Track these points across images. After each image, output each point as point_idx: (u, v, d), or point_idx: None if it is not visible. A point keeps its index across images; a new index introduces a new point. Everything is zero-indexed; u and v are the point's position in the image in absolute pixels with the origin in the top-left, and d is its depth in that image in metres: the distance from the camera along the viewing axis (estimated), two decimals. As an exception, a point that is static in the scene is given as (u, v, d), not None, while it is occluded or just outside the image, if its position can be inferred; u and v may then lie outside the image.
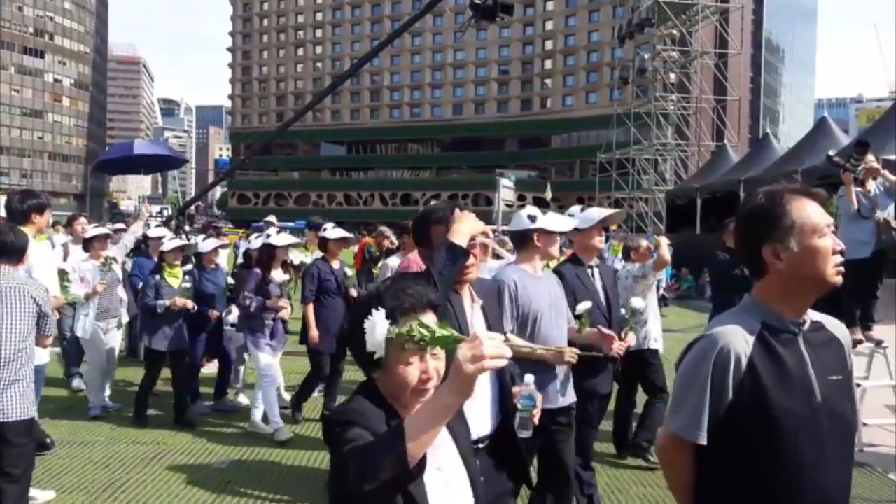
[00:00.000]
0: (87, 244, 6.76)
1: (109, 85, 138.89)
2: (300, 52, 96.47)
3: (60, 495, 4.68)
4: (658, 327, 5.61)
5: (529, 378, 2.27)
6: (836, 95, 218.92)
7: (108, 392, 6.86)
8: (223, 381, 7.06)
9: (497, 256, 6.81)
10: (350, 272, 6.73)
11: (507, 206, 68.36)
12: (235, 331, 6.94)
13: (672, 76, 36.11)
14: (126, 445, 5.74)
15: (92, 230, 7.07)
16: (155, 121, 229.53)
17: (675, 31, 34.55)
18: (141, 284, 7.04)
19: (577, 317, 3.69)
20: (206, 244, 7.12)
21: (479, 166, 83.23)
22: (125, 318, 7.23)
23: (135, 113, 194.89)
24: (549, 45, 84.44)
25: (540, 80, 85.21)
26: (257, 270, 6.12)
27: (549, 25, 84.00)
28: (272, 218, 11.23)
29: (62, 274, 5.97)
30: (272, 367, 6.05)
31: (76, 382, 7.54)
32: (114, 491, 4.79)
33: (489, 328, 2.61)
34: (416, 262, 4.59)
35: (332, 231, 6.66)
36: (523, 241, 3.57)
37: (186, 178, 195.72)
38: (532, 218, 3.53)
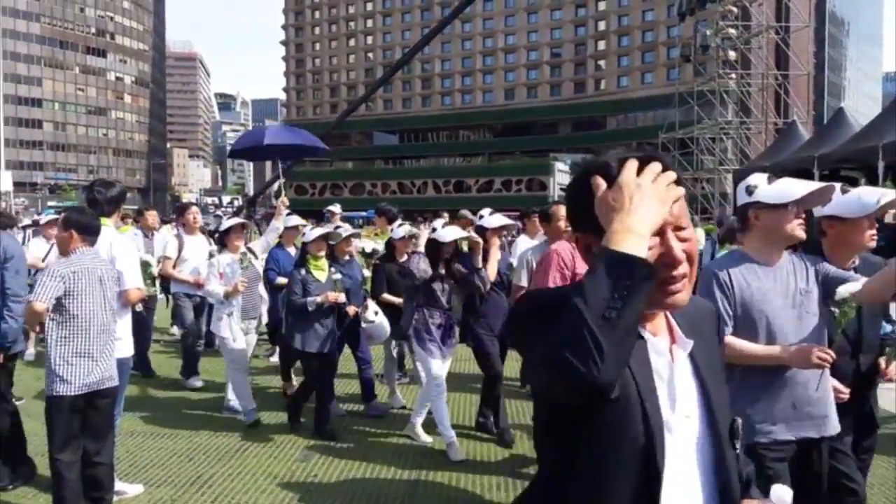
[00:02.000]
0: (223, 237, 6.20)
1: (168, 81, 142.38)
2: (352, 42, 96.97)
3: (148, 489, 4.64)
4: None
5: (782, 493, 1.45)
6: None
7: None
8: (366, 384, 6.39)
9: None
10: (515, 263, 5.92)
11: (563, 190, 67.46)
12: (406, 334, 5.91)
13: (732, 53, 34.97)
14: (209, 437, 5.71)
15: (227, 221, 6.45)
16: (213, 115, 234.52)
17: (734, 7, 33.42)
18: (277, 279, 6.71)
19: (836, 304, 2.77)
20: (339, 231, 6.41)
21: (531, 151, 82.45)
22: (265, 318, 6.79)
23: (193, 108, 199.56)
24: (601, 25, 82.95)
25: (594, 62, 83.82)
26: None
27: (602, 6, 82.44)
28: (336, 207, 11.16)
29: (145, 265, 5.72)
30: (442, 375, 5.35)
31: (194, 382, 7.22)
32: (200, 486, 4.74)
33: (703, 389, 1.33)
34: (563, 254, 3.87)
35: (489, 218, 5.87)
36: (743, 221, 2.77)
37: (245, 170, 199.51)
38: (749, 190, 2.68)
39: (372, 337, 6.15)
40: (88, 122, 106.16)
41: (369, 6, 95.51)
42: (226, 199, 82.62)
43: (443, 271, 5.33)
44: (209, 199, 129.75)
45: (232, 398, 6.18)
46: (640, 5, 78.85)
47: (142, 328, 7.60)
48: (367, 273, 6.55)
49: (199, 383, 7.15)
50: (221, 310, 5.94)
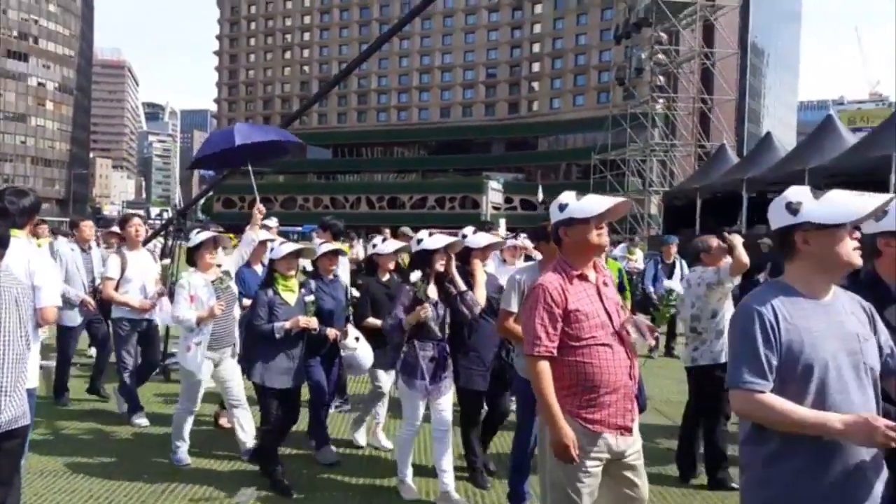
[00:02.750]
0: (192, 255, 5.34)
1: (94, 89, 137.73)
2: (287, 55, 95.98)
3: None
4: None
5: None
6: (817, 98, 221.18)
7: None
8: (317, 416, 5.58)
9: (528, 258, 6.45)
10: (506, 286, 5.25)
11: (495, 208, 68.20)
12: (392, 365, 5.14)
13: (661, 78, 36.12)
14: (130, 476, 5.12)
15: (198, 235, 5.43)
16: (139, 125, 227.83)
17: (663, 34, 34.56)
18: (243, 301, 5.78)
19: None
20: (322, 247, 5.54)
21: (465, 169, 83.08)
22: (238, 346, 5.61)
23: (119, 117, 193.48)
24: (536, 48, 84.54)
25: (527, 83, 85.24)
26: (406, 286, 4.62)
27: (538, 28, 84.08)
28: (272, 221, 10.83)
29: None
30: (418, 417, 4.64)
31: (139, 420, 6.28)
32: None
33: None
34: (550, 289, 3.24)
35: (475, 237, 5.05)
36: (784, 245, 2.21)
37: (171, 182, 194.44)
38: (792, 208, 2.15)
39: (352, 366, 5.38)
40: (6, 128, 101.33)
41: (307, 19, 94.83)
42: (154, 210, 79.71)
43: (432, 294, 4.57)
44: (132, 212, 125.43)
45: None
46: (574, 29, 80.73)
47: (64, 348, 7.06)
48: (356, 294, 5.74)
49: (144, 421, 6.26)
50: (190, 338, 5.16)
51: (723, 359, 4.87)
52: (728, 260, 4.90)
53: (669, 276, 9.13)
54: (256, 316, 4.81)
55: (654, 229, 27.31)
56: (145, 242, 11.17)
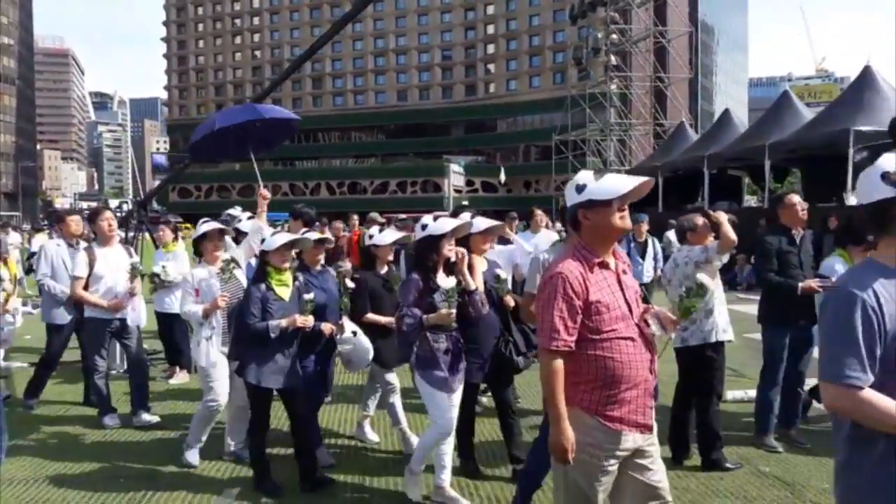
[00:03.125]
0: (198, 245, 5.17)
1: (37, 79, 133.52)
2: (238, 40, 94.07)
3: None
4: (725, 315, 4.97)
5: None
6: (766, 74, 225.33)
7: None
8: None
9: (504, 241, 6.30)
10: (503, 274, 4.79)
11: (457, 191, 68.13)
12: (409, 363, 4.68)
13: (614, 58, 36.30)
14: (106, 484, 4.89)
15: (202, 225, 5.24)
16: (87, 115, 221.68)
17: (615, 14, 34.70)
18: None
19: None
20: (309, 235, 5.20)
21: (424, 153, 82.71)
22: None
23: (66, 107, 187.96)
24: (490, 29, 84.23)
25: (483, 65, 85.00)
26: (416, 276, 4.26)
27: (491, 10, 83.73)
28: (237, 210, 10.53)
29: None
30: (447, 414, 4.27)
31: (111, 422, 6.06)
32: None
33: None
34: (570, 278, 2.89)
35: (474, 221, 4.69)
36: (878, 218, 1.98)
37: (123, 172, 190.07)
38: (892, 180, 1.91)
39: (351, 362, 5.07)
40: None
41: (255, 3, 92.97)
42: (113, 203, 76.79)
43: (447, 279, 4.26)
44: (85, 204, 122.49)
45: (232, 443, 5.21)
46: (527, 10, 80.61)
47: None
48: (351, 284, 5.24)
49: (112, 422, 6.01)
50: (200, 333, 4.97)
51: (713, 338, 4.84)
52: (713, 238, 4.86)
53: (642, 256, 9.11)
54: (249, 314, 4.44)
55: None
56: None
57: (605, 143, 36.53)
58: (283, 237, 4.62)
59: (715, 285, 4.83)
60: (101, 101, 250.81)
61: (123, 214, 12.73)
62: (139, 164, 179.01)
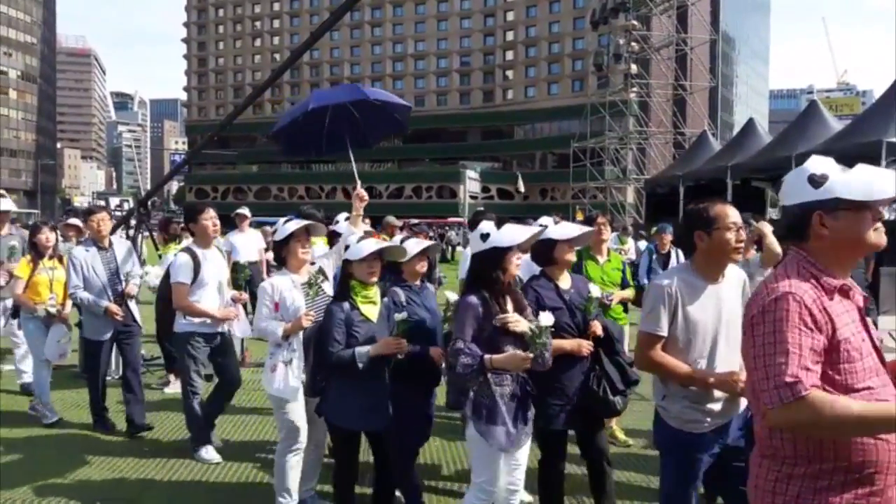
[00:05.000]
0: (281, 249, 4.18)
1: (59, 78, 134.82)
2: (258, 42, 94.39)
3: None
4: None
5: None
6: (787, 87, 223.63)
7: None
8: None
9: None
10: (595, 291, 3.84)
11: (472, 198, 67.83)
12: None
13: (634, 67, 35.89)
14: None
15: (286, 225, 4.17)
16: (108, 114, 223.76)
17: (636, 22, 34.34)
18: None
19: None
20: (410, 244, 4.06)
21: (441, 158, 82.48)
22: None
23: (86, 107, 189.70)
24: (510, 35, 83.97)
25: (501, 72, 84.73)
26: (474, 300, 3.27)
27: (510, 16, 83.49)
28: (245, 210, 10.29)
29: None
30: (496, 480, 3.42)
31: (206, 454, 5.20)
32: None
33: None
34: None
35: (559, 228, 3.87)
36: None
37: (141, 172, 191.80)
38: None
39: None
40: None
41: (276, 6, 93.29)
42: (114, 201, 74.79)
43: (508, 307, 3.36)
44: (102, 203, 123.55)
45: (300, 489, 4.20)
46: (547, 17, 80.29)
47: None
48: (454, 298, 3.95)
49: (208, 456, 5.17)
50: (277, 355, 4.02)
51: None
52: (755, 252, 4.47)
53: (665, 268, 8.66)
54: (331, 339, 3.58)
55: (633, 218, 26.98)
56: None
57: (624, 151, 36.03)
58: (372, 244, 3.73)
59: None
60: (122, 101, 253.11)
61: (124, 214, 12.52)
62: (158, 164, 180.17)
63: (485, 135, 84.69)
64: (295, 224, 4.12)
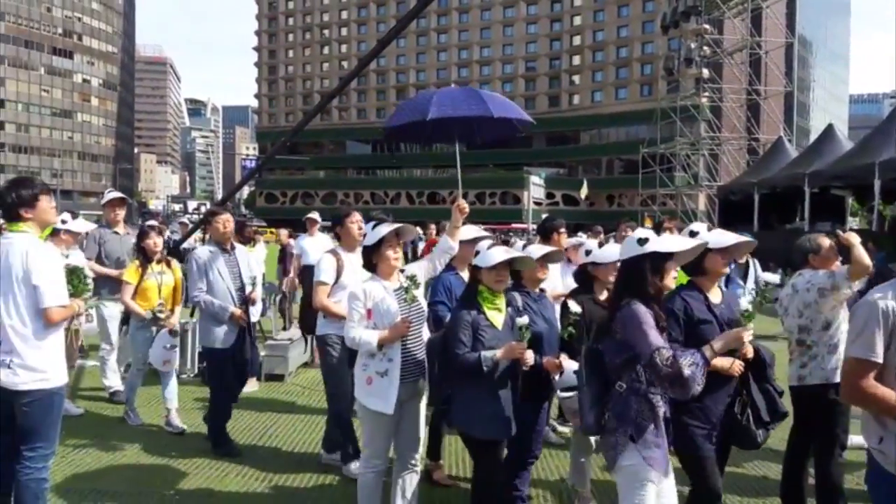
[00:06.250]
0: (371, 255, 3.97)
1: (137, 85, 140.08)
2: (326, 50, 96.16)
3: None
4: None
5: None
6: (869, 91, 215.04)
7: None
8: None
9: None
10: (745, 302, 3.37)
11: (537, 204, 67.38)
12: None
13: (706, 71, 35.06)
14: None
15: (376, 229, 3.96)
16: (182, 121, 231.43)
17: (707, 26, 33.55)
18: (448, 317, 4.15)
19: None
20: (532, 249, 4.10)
21: (505, 164, 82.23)
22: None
23: (162, 113, 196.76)
24: (577, 40, 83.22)
25: (568, 77, 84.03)
26: (640, 308, 3.02)
27: (578, 21, 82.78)
28: (315, 214, 10.43)
29: (72, 274, 3.85)
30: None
31: (354, 467, 4.91)
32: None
33: None
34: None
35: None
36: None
37: (213, 177, 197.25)
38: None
39: (575, 411, 3.63)
40: (53, 124, 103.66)
41: (344, 14, 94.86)
42: (191, 204, 78.48)
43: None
44: (176, 206, 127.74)
45: None
46: (616, 21, 79.29)
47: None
48: (577, 308, 4.05)
49: (353, 467, 4.91)
50: (370, 367, 3.84)
51: (836, 378, 4.04)
52: (839, 263, 4.26)
53: (743, 278, 8.38)
54: (458, 342, 3.52)
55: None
56: (181, 241, 10.86)
57: (695, 157, 35.20)
58: (501, 253, 3.63)
59: (842, 318, 4.22)
60: (195, 108, 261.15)
61: (199, 219, 12.85)
62: (229, 170, 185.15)
63: (550, 140, 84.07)
64: (387, 227, 3.91)
